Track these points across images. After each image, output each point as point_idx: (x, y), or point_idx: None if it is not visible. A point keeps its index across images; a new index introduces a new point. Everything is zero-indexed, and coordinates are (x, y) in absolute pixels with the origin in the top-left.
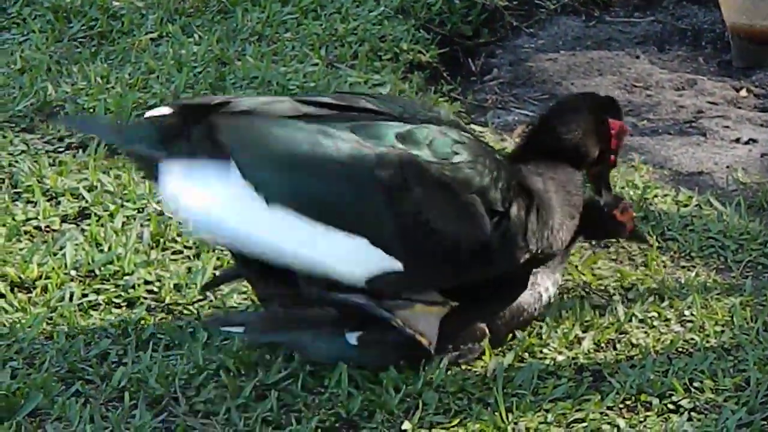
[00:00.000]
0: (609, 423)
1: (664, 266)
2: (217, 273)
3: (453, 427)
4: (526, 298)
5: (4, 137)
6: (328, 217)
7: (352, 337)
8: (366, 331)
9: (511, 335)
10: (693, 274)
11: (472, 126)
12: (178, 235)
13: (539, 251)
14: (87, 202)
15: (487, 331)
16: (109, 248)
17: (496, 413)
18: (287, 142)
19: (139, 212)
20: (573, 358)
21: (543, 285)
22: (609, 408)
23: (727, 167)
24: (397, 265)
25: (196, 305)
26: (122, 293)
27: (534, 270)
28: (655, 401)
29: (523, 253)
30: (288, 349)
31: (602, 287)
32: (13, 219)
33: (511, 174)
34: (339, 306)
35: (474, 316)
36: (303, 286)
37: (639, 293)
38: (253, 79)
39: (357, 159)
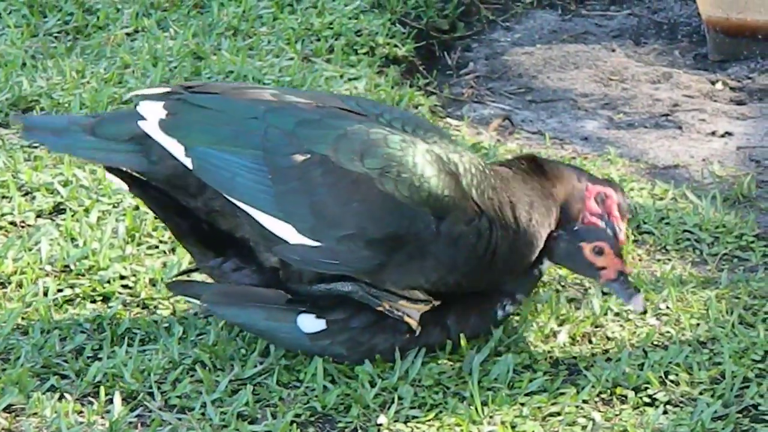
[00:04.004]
0: (584, 416)
1: (640, 259)
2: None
3: (429, 420)
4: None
5: None
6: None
7: (305, 323)
8: (331, 316)
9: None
10: (669, 267)
11: (448, 120)
12: (154, 229)
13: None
14: (62, 197)
15: (445, 333)
16: (84, 243)
17: (471, 407)
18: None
19: (114, 207)
20: (548, 352)
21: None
22: (584, 401)
23: (703, 160)
24: (313, 243)
25: (171, 300)
26: (97, 288)
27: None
28: (631, 394)
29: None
30: (241, 328)
31: (578, 281)
32: None
33: (457, 183)
34: (324, 296)
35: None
36: (285, 277)
37: None
38: (229, 73)
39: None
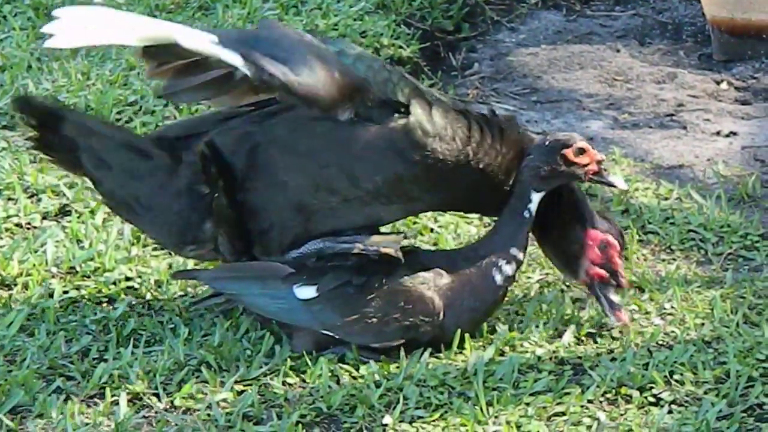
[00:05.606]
0: (589, 416)
1: (645, 259)
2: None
3: (434, 421)
4: (480, 281)
5: None
6: None
7: (301, 291)
8: (322, 283)
9: (490, 329)
10: (673, 267)
11: None
12: None
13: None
14: (68, 199)
15: (441, 306)
16: (90, 245)
17: (476, 407)
18: None
19: None
20: (554, 352)
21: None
22: (589, 401)
23: (708, 160)
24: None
25: (176, 301)
26: (103, 290)
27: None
28: (636, 394)
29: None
30: (236, 302)
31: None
32: None
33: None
34: (318, 267)
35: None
36: (262, 250)
37: None
38: None
39: None
